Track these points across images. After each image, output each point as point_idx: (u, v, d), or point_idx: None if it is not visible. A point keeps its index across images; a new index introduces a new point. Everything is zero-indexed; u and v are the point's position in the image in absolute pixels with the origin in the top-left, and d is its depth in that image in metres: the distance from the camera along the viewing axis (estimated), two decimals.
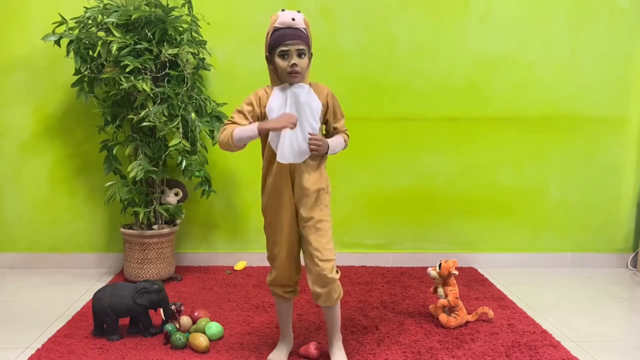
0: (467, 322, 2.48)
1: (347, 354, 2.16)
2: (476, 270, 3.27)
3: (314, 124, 1.97)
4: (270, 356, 2.15)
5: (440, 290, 2.49)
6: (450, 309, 2.46)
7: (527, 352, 2.22)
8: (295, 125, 1.89)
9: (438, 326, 2.45)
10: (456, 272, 2.44)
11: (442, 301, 2.45)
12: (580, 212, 3.38)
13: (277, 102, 1.97)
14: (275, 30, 1.92)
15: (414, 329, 2.42)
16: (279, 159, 1.95)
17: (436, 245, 3.37)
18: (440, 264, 2.47)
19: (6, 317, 2.57)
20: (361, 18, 3.18)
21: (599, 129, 3.32)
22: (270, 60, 1.97)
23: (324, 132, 2.10)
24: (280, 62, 1.93)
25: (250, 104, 1.98)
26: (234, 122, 1.97)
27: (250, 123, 1.95)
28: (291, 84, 1.97)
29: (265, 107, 1.97)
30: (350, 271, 3.19)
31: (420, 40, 3.21)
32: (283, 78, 1.97)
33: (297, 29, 1.92)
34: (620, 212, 3.39)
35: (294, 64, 1.91)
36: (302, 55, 1.94)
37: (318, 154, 1.99)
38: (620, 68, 3.27)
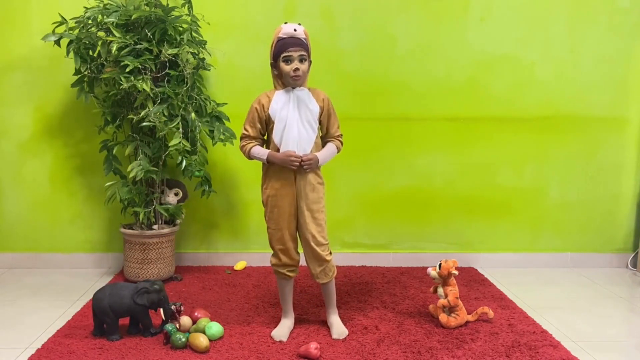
0: (467, 322, 2.48)
1: (347, 354, 2.17)
2: (476, 270, 3.27)
3: (313, 124, 2.27)
4: (273, 332, 2.34)
5: (440, 290, 2.48)
6: (450, 309, 2.46)
7: (527, 352, 2.22)
8: (296, 166, 2.20)
9: (438, 326, 2.45)
10: (456, 272, 2.44)
11: (442, 301, 2.45)
12: (580, 212, 3.38)
13: (280, 104, 2.24)
14: (280, 40, 2.21)
15: (414, 329, 2.43)
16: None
17: (436, 245, 3.37)
18: (440, 264, 2.47)
19: (6, 317, 2.57)
20: (361, 18, 3.18)
21: (599, 129, 3.32)
22: (274, 66, 2.26)
23: (321, 134, 2.36)
24: (284, 67, 2.21)
25: (255, 111, 2.27)
26: (249, 136, 2.29)
27: (260, 129, 2.28)
28: (294, 87, 2.25)
29: (268, 109, 2.25)
30: (350, 271, 3.19)
31: (420, 40, 3.21)
32: (286, 81, 2.25)
33: (298, 38, 2.21)
34: (620, 212, 3.40)
35: (297, 68, 2.20)
36: (304, 60, 2.22)
37: (310, 170, 2.26)
38: (620, 68, 3.27)
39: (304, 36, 2.23)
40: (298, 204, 2.28)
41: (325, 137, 2.36)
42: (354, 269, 3.24)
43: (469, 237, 3.37)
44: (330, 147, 2.34)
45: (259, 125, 2.27)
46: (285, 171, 2.25)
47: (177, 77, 2.82)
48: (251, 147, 2.27)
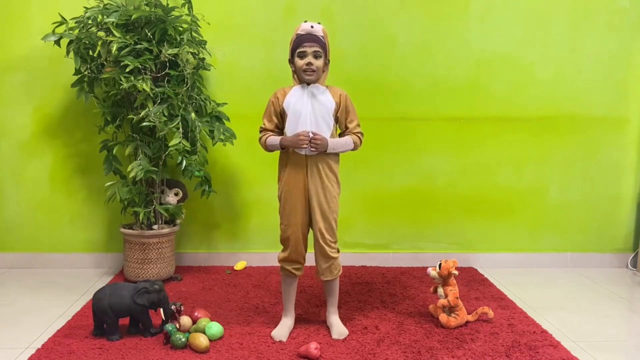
0: (467, 322, 2.48)
1: (347, 354, 2.17)
2: (476, 270, 3.27)
3: (328, 120, 2.27)
4: (273, 332, 2.34)
5: (440, 290, 2.48)
6: (450, 309, 2.46)
7: (527, 352, 2.22)
8: (307, 143, 2.20)
9: (438, 326, 2.45)
10: (456, 272, 2.44)
11: (442, 301, 2.45)
12: (580, 212, 3.38)
13: (294, 98, 2.26)
14: (297, 36, 2.25)
15: (414, 329, 2.43)
16: (297, 150, 2.25)
17: (436, 245, 3.37)
18: (440, 264, 2.47)
19: (6, 317, 2.57)
20: (361, 18, 3.18)
21: (599, 129, 3.32)
22: (292, 62, 2.29)
23: (338, 131, 2.37)
24: (298, 61, 2.24)
25: (272, 104, 2.31)
26: (266, 129, 2.33)
27: (277, 123, 2.31)
28: (308, 83, 2.26)
29: (282, 102, 2.28)
30: (350, 271, 3.19)
31: (420, 40, 3.21)
32: (300, 77, 2.26)
33: (315, 35, 2.24)
34: (620, 212, 3.40)
35: (310, 63, 2.21)
36: (318, 57, 2.24)
37: (316, 151, 2.24)
38: (620, 68, 3.27)
39: (322, 34, 2.25)
40: (310, 200, 2.29)
41: (344, 133, 2.35)
42: (354, 269, 3.24)
43: (469, 237, 3.37)
44: (347, 138, 2.31)
45: (275, 119, 2.30)
46: (299, 167, 2.26)
47: (177, 77, 2.82)
48: (266, 138, 2.30)
